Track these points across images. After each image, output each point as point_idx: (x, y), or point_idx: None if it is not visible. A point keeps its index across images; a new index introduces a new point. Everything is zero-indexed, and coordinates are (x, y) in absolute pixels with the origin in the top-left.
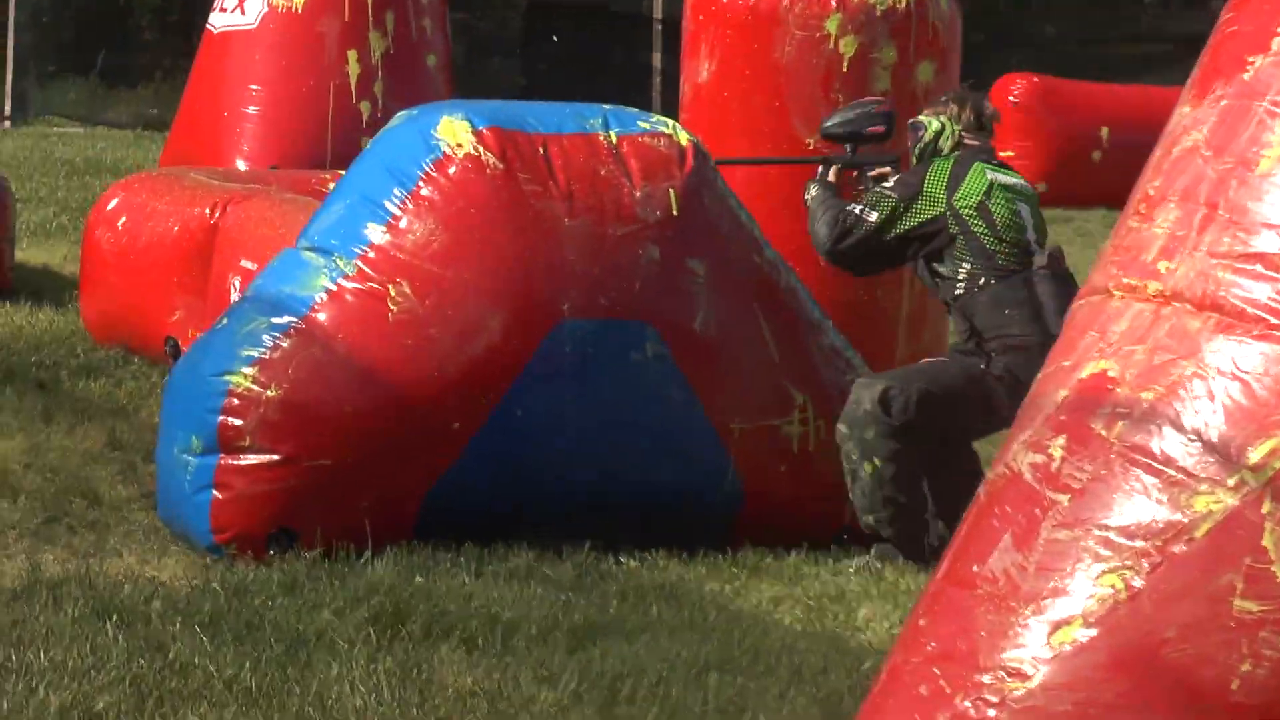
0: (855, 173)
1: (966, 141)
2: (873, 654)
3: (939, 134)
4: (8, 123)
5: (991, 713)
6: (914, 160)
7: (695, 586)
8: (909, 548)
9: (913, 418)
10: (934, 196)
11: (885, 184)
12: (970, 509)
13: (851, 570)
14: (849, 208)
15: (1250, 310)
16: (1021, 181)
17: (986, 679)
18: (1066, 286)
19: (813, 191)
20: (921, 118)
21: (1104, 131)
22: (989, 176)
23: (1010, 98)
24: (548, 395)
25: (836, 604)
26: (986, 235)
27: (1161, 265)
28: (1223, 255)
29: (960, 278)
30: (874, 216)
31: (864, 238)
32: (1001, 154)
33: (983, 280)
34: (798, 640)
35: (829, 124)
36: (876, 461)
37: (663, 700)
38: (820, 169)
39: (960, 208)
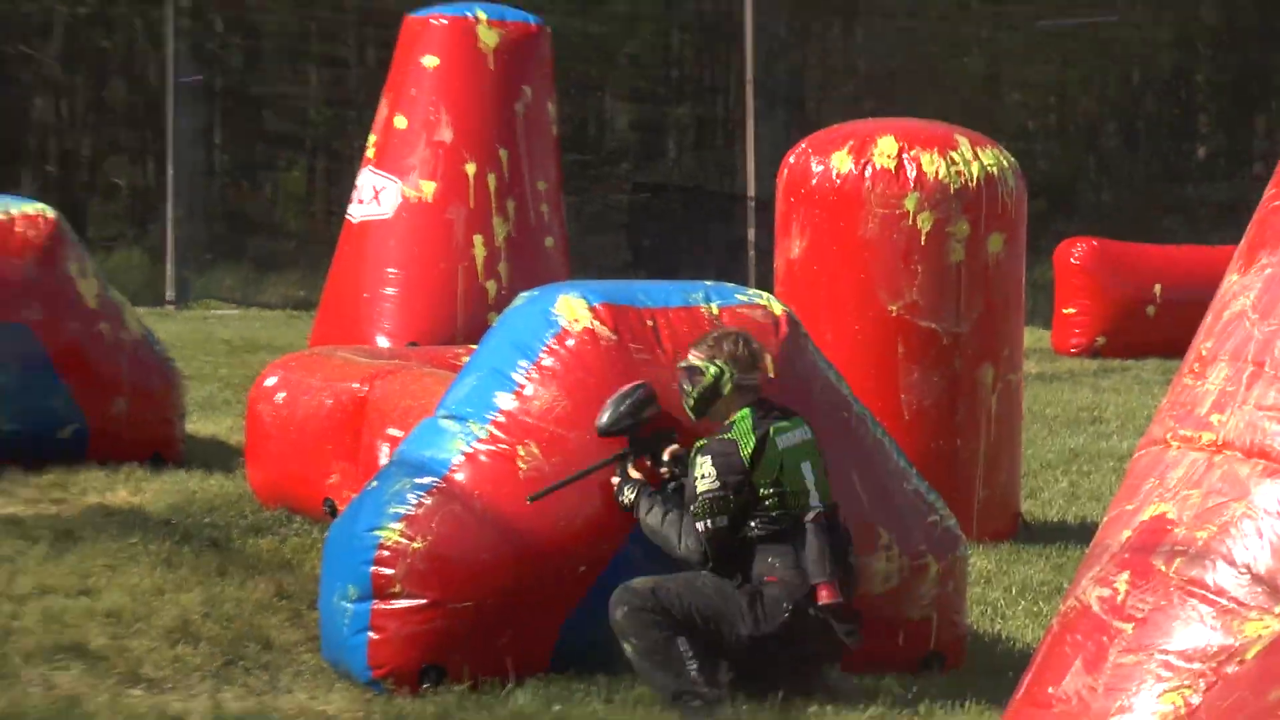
0: (649, 459)
1: (741, 382)
2: None
3: (718, 378)
4: (171, 306)
5: None
6: (691, 403)
7: (799, 710)
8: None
9: (652, 602)
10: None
11: (708, 480)
12: (1044, 638)
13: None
14: (695, 525)
15: None
16: (804, 436)
17: None
18: (835, 538)
19: (642, 508)
20: (696, 362)
21: (1157, 288)
22: (780, 446)
23: (1071, 259)
24: None
25: None
26: (771, 497)
27: (1214, 418)
28: (1269, 408)
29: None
30: (724, 521)
31: (722, 543)
32: (1065, 310)
33: (756, 533)
34: None
35: (605, 423)
36: (632, 640)
37: None
38: (619, 475)
39: (757, 481)
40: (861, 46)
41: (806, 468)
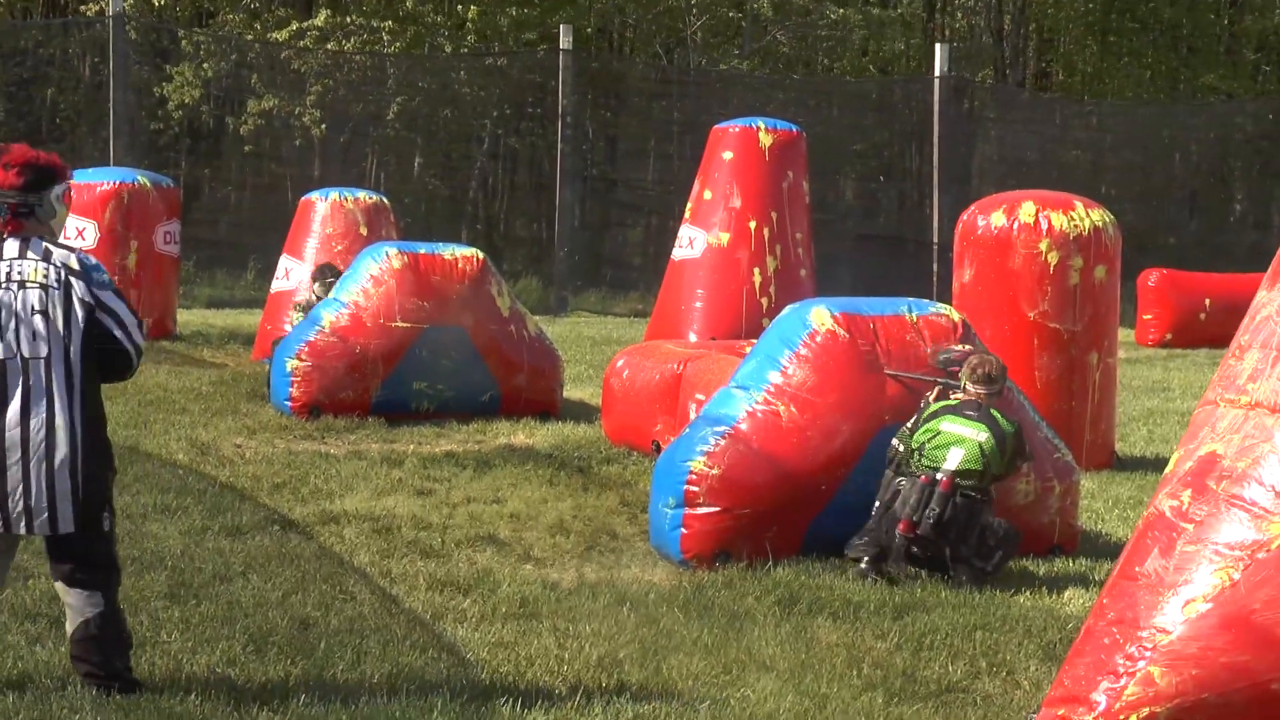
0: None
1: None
2: (1074, 620)
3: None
4: (555, 315)
5: (1148, 654)
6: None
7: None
8: None
9: None
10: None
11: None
12: (1133, 535)
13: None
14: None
15: None
16: (972, 433)
17: (1144, 634)
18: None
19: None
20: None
21: (1206, 302)
22: (941, 428)
23: (1149, 282)
24: (877, 468)
25: (1050, 589)
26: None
27: (1249, 386)
28: None
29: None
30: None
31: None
32: (1144, 316)
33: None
34: (1028, 611)
35: (942, 358)
36: None
37: (950, 648)
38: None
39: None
40: (1009, 144)
41: (955, 451)
